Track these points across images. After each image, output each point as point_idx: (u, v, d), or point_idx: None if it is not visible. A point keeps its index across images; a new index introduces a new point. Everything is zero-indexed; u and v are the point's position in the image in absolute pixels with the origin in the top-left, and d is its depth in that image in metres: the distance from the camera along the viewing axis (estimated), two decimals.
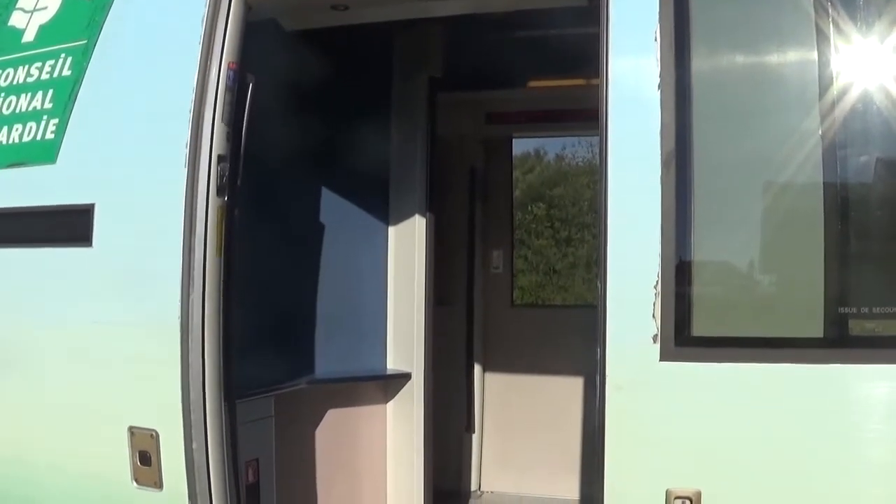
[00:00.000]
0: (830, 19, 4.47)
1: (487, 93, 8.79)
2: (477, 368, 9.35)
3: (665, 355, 4.38)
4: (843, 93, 4.44)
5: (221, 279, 5.19)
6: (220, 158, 5.19)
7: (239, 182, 5.32)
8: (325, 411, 7.06)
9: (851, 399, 4.28)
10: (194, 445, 5.08)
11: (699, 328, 4.46)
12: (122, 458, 5.25)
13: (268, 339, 6.22)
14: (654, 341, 4.39)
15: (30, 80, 5.84)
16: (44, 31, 5.92)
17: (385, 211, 7.57)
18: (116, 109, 5.51)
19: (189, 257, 5.10)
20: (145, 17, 5.61)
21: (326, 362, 7.07)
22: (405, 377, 7.48)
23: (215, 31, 5.27)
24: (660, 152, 4.44)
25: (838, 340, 4.38)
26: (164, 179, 5.21)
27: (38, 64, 5.83)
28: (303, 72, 6.57)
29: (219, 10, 5.29)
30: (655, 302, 4.39)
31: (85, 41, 5.69)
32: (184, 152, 5.15)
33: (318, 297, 7.05)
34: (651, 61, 4.51)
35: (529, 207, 23.09)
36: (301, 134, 6.61)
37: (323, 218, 7.13)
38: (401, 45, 7.67)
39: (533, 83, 8.64)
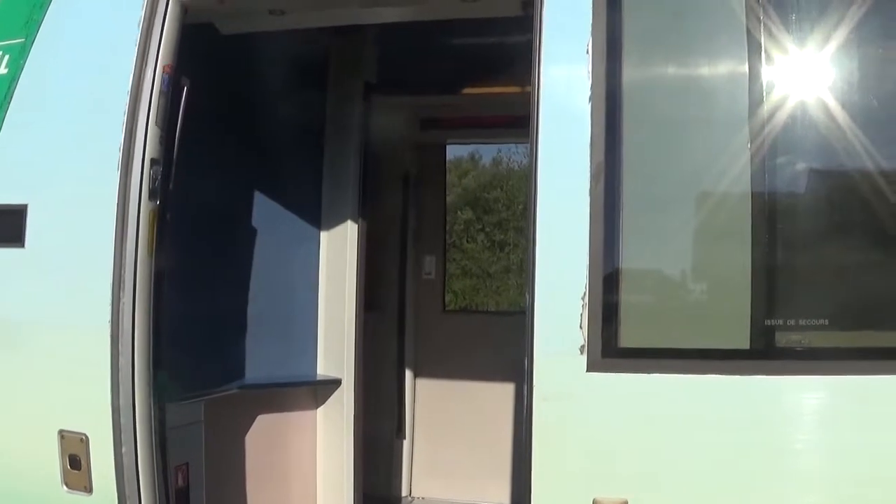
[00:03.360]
0: (761, 34, 4.53)
1: (422, 99, 8.80)
2: (408, 374, 9.34)
3: (592, 366, 4.42)
4: (773, 105, 4.52)
5: (152, 283, 5.18)
6: (153, 162, 5.18)
7: (171, 186, 5.31)
8: (255, 416, 7.04)
9: (777, 410, 4.35)
10: (124, 450, 5.06)
11: (626, 339, 4.50)
12: (52, 461, 5.22)
13: (198, 344, 6.20)
14: (582, 352, 4.42)
15: None
16: None
17: (317, 216, 7.56)
18: (52, 110, 5.48)
19: (120, 260, 5.08)
20: (83, 17, 5.58)
21: (257, 367, 7.05)
22: (335, 383, 7.48)
23: (151, 33, 5.25)
24: (589, 164, 4.48)
25: (764, 352, 4.44)
26: (97, 182, 5.18)
27: None
28: (237, 75, 6.56)
29: (155, 13, 5.27)
30: (583, 313, 4.43)
31: (22, 39, 5.65)
32: (117, 155, 5.13)
33: (249, 302, 7.03)
34: (583, 73, 4.55)
35: (458, 213, 23.12)
36: (234, 137, 6.60)
37: (255, 222, 7.12)
38: (336, 50, 7.67)
39: (468, 90, 8.67)
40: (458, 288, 21.57)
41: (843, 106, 4.50)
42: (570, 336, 4.43)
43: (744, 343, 4.46)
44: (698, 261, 4.69)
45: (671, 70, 4.78)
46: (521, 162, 23.29)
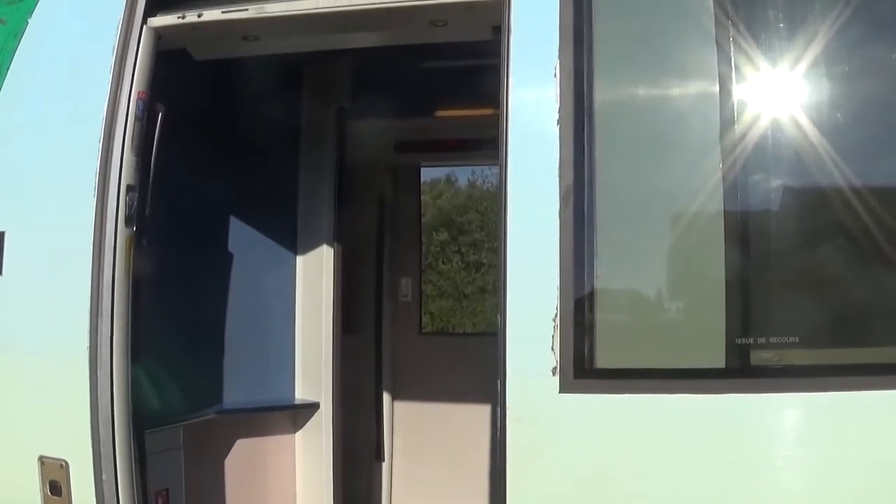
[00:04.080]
0: (732, 54, 4.59)
1: (396, 122, 8.82)
2: (386, 396, 9.34)
3: (565, 387, 4.43)
4: (744, 125, 4.56)
5: (130, 309, 5.19)
6: (129, 188, 5.20)
7: (148, 212, 5.33)
8: (234, 441, 7.04)
9: (752, 429, 4.37)
10: (104, 476, 5.06)
11: (598, 360, 4.53)
12: (32, 487, 5.21)
13: (176, 369, 6.20)
14: (554, 374, 4.44)
15: None
16: None
17: (293, 240, 7.57)
18: (27, 137, 5.50)
19: (98, 287, 5.09)
20: (57, 45, 5.60)
21: (235, 391, 7.06)
22: (314, 407, 7.48)
23: (125, 60, 5.28)
24: (559, 186, 4.51)
25: (739, 371, 4.47)
26: (74, 209, 5.19)
27: None
28: (212, 100, 6.58)
29: (129, 40, 5.30)
30: (554, 335, 4.45)
31: None
32: (93, 182, 5.15)
33: (227, 326, 7.04)
34: (551, 96, 4.60)
35: (434, 234, 23.16)
36: (210, 162, 6.62)
37: (231, 246, 7.13)
38: (310, 74, 7.70)
39: (441, 113, 8.69)
40: (435, 309, 21.61)
41: (812, 124, 4.55)
42: (542, 358, 4.45)
43: (719, 362, 4.49)
44: (670, 281, 4.74)
45: (640, 92, 4.82)
46: (496, 183, 23.34)
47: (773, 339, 4.47)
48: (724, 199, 4.53)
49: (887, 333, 4.53)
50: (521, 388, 4.50)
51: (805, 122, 4.55)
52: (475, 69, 6.22)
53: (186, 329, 6.49)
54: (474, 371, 8.34)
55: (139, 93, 5.27)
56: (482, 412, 8.63)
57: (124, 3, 5.35)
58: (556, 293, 4.46)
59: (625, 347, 4.67)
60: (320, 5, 5.17)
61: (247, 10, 5.36)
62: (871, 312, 4.58)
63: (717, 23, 4.62)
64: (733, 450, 4.36)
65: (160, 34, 5.40)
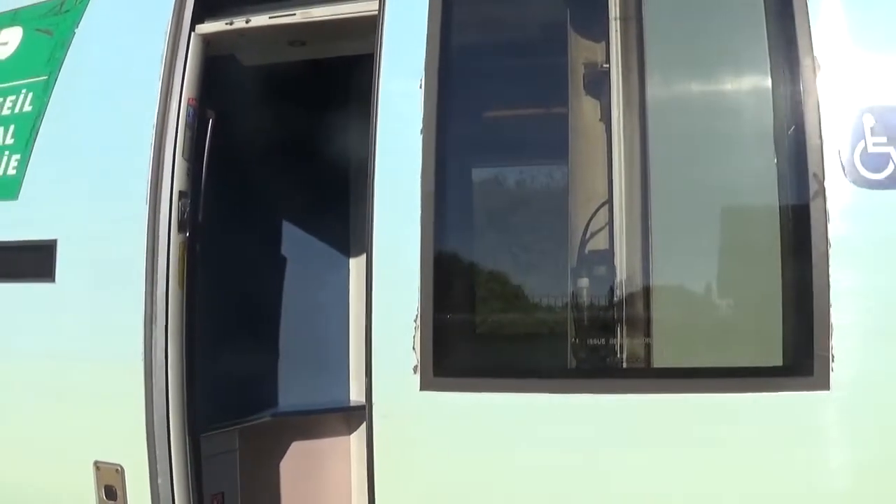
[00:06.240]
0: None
1: None
2: None
3: (425, 385, 4.58)
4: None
5: (184, 314, 5.22)
6: (182, 194, 5.24)
7: (200, 217, 5.36)
8: (289, 444, 7.05)
9: (609, 429, 4.44)
10: (160, 480, 5.10)
11: (457, 359, 4.73)
12: (88, 492, 5.27)
13: (231, 372, 6.22)
14: (415, 372, 4.58)
15: None
16: (4, 66, 5.96)
17: (347, 243, 7.57)
18: (78, 145, 5.55)
19: (152, 293, 5.13)
20: (105, 53, 5.65)
21: (290, 395, 7.06)
22: None
23: (174, 67, 5.32)
24: (420, 192, 4.65)
25: (592, 371, 4.66)
26: (126, 215, 5.25)
27: None
28: (263, 106, 6.60)
29: (178, 47, 5.35)
30: (415, 335, 4.58)
31: (45, 77, 5.72)
32: (145, 188, 5.19)
33: (281, 330, 7.05)
34: (416, 108, 4.72)
35: None
36: (262, 168, 6.63)
37: (285, 250, 7.14)
38: (359, 77, 7.69)
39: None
40: None
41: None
42: (404, 356, 4.60)
43: (569, 361, 4.67)
44: (526, 282, 4.96)
45: (502, 106, 5.13)
46: (542, 184, 23.32)
47: (621, 341, 4.61)
48: (568, 210, 4.80)
49: None
50: (386, 385, 4.68)
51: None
52: None
53: (241, 333, 6.50)
54: None
55: (189, 99, 5.31)
56: None
57: (172, 10, 5.40)
58: (417, 295, 4.60)
59: (483, 348, 4.95)
60: (365, 9, 5.19)
61: (294, 14, 5.39)
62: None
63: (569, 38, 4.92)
64: (586, 449, 4.45)
65: (208, 40, 5.44)
